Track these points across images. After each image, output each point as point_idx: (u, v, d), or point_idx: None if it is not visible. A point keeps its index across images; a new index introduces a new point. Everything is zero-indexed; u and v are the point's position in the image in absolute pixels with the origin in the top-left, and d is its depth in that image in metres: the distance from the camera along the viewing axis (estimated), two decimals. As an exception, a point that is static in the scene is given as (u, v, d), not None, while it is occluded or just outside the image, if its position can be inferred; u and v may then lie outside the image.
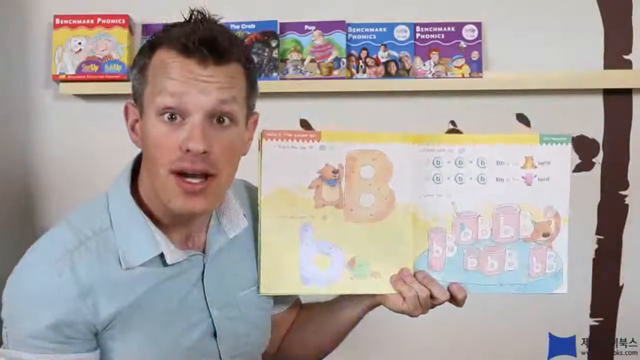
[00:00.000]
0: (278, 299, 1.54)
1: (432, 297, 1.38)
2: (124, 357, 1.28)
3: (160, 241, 1.28)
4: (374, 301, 1.45)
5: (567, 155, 1.43)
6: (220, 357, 1.38)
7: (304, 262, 1.41)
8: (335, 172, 1.40)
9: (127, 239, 1.27)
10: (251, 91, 1.31)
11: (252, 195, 1.47)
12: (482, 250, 1.41)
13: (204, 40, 1.21)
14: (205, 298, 1.35)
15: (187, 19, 1.27)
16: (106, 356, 1.28)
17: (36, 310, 1.21)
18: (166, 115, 1.22)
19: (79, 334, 1.23)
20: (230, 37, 1.27)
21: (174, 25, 1.27)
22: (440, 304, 1.40)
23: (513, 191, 1.41)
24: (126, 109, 1.32)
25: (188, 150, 1.21)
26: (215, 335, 1.37)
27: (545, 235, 1.42)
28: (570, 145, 1.43)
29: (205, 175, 1.24)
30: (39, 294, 1.21)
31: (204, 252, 1.36)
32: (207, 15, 1.27)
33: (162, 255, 1.29)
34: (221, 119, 1.24)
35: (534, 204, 1.42)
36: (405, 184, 1.41)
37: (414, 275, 1.40)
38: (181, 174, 1.22)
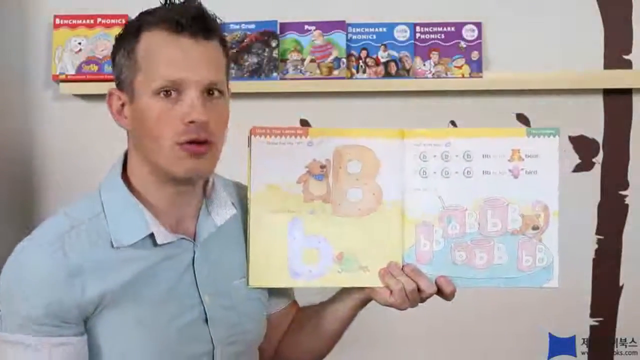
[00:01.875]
0: (275, 294, 1.53)
1: (419, 290, 1.38)
2: (113, 342, 1.29)
3: (151, 222, 1.30)
4: (363, 295, 1.45)
5: (556, 148, 1.42)
6: (213, 343, 1.37)
7: (292, 255, 1.42)
8: (322, 167, 1.41)
9: (118, 220, 1.30)
10: (228, 63, 1.38)
11: (240, 192, 1.49)
12: (470, 244, 1.41)
13: (196, 17, 1.27)
14: (197, 284, 1.36)
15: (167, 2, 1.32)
16: (95, 341, 1.28)
17: (29, 293, 1.22)
18: (162, 93, 1.26)
19: (69, 317, 1.24)
20: (212, 14, 1.32)
21: (154, 9, 1.32)
22: (428, 297, 1.40)
23: (500, 184, 1.41)
24: (111, 95, 1.34)
25: (191, 122, 1.25)
26: (206, 321, 1.37)
27: (534, 228, 1.41)
28: (558, 138, 1.42)
29: (206, 142, 1.28)
30: (31, 278, 1.23)
31: (194, 239, 1.37)
32: None
33: (152, 237, 1.30)
34: (211, 92, 1.29)
35: (521, 197, 1.41)
36: (393, 178, 1.41)
37: (402, 269, 1.40)
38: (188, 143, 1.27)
